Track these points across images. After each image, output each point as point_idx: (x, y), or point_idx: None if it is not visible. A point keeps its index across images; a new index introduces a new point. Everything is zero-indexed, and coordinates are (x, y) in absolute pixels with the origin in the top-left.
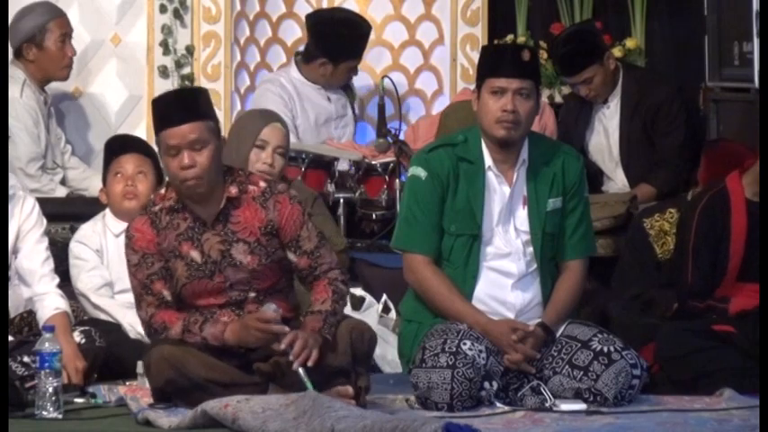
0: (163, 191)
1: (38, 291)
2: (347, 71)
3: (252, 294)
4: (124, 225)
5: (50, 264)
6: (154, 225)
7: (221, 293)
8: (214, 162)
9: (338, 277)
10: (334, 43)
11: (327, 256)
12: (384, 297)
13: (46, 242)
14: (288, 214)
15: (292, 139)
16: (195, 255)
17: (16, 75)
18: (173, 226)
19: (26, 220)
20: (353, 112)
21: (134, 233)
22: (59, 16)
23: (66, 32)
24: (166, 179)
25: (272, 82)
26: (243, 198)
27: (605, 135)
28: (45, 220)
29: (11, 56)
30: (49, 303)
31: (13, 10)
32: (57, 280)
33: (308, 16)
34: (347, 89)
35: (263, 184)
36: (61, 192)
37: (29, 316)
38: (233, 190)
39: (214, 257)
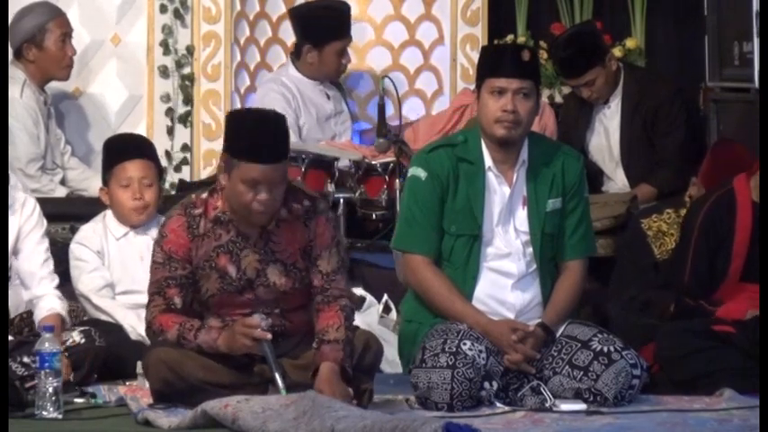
0: (205, 195)
1: (36, 293)
2: (335, 55)
3: (276, 311)
4: (126, 228)
5: (50, 266)
6: (190, 230)
7: (248, 306)
8: (281, 198)
9: (348, 305)
10: (314, 26)
11: (341, 283)
12: (385, 297)
13: (46, 244)
14: (321, 233)
15: (295, 138)
16: (231, 269)
17: (16, 75)
18: (214, 236)
19: (27, 221)
20: (348, 109)
21: (168, 233)
22: (59, 16)
23: (67, 32)
24: (217, 186)
25: (274, 81)
26: (288, 218)
27: (605, 135)
28: (45, 221)
29: (11, 56)
30: (45, 305)
31: (12, 10)
32: (56, 281)
33: (290, 10)
34: (339, 86)
35: (307, 202)
36: (61, 192)
37: (29, 316)
38: (283, 212)
39: (249, 275)
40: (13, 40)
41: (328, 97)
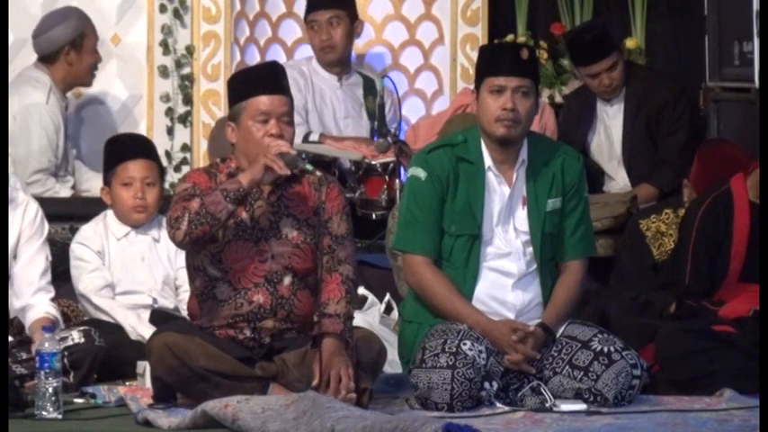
0: (218, 160)
1: (31, 302)
2: (310, 30)
3: (288, 279)
4: (127, 228)
5: (48, 277)
6: (209, 176)
7: (261, 264)
8: (292, 141)
9: (350, 276)
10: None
11: (349, 248)
12: (387, 296)
13: (46, 252)
14: (333, 198)
15: (300, 119)
16: (245, 216)
17: (42, 79)
18: None
19: (28, 226)
20: (369, 116)
21: (190, 174)
22: (91, 23)
23: (98, 39)
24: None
25: (291, 66)
26: (301, 179)
27: (608, 134)
28: (47, 227)
29: (35, 60)
30: (41, 308)
31: (41, 15)
32: (52, 294)
33: None
34: (369, 90)
35: (318, 173)
36: (65, 193)
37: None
38: (295, 170)
39: (262, 225)
40: (48, 45)
41: (339, 99)
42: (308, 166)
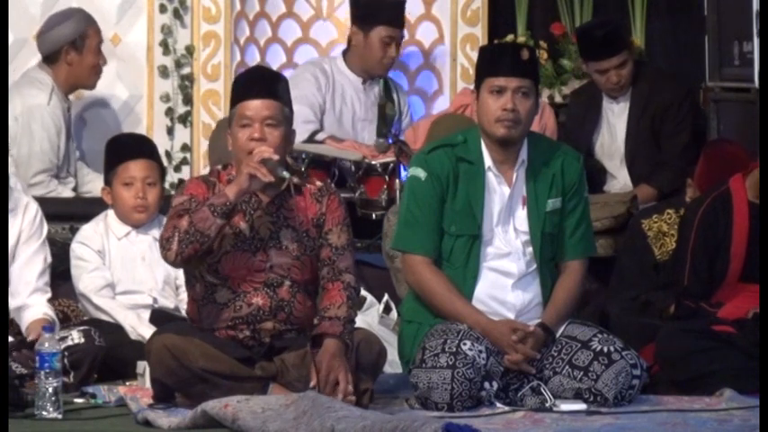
0: (219, 167)
1: (28, 302)
2: (380, 42)
3: (287, 283)
4: (128, 228)
5: (45, 277)
6: (208, 186)
7: (260, 272)
8: (282, 144)
9: (352, 283)
10: (363, 7)
11: (349, 259)
12: (386, 297)
13: (44, 253)
14: (333, 209)
15: (314, 118)
16: (244, 227)
17: (45, 80)
18: None
19: (27, 227)
20: (384, 122)
21: (188, 185)
22: (95, 24)
23: (101, 40)
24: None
25: (314, 64)
26: (303, 190)
27: (611, 133)
28: (46, 228)
29: (38, 61)
30: (39, 309)
31: (41, 15)
32: (48, 295)
33: None
34: (389, 96)
35: (319, 183)
36: (67, 194)
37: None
38: (295, 179)
39: (262, 235)
40: (49, 44)
41: (360, 101)
42: (285, 173)
